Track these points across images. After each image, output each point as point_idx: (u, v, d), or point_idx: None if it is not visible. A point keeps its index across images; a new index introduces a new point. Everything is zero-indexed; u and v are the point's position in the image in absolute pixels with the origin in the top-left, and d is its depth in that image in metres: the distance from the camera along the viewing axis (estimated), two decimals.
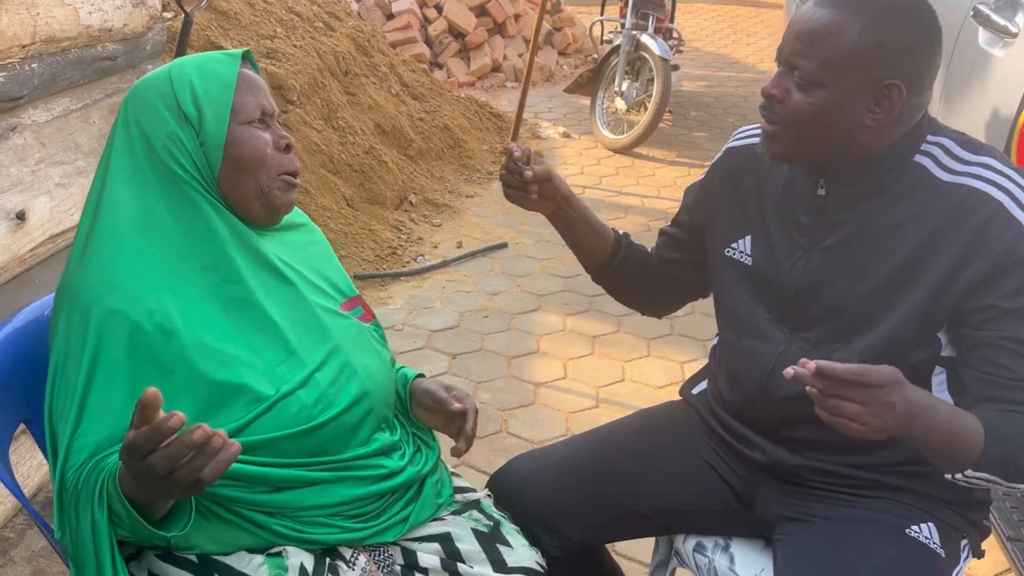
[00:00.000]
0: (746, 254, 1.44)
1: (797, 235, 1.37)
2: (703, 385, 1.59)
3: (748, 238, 1.44)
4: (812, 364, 1.08)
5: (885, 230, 1.29)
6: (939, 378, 1.32)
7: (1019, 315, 1.21)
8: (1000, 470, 1.19)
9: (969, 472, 1.19)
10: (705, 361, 1.65)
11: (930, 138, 1.30)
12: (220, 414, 1.17)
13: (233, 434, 1.14)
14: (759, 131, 1.35)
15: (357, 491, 1.25)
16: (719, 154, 1.54)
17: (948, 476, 1.21)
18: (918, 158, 1.29)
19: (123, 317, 1.16)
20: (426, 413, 1.42)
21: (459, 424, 1.37)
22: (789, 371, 1.10)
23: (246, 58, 1.30)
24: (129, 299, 1.17)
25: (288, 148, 1.29)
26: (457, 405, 1.35)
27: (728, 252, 1.47)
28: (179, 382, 1.16)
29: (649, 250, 1.66)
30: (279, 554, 1.20)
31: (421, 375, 1.47)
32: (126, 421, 1.06)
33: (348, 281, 1.43)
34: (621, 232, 1.65)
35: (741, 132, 1.52)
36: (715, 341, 1.57)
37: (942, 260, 1.25)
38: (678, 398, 1.66)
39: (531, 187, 1.44)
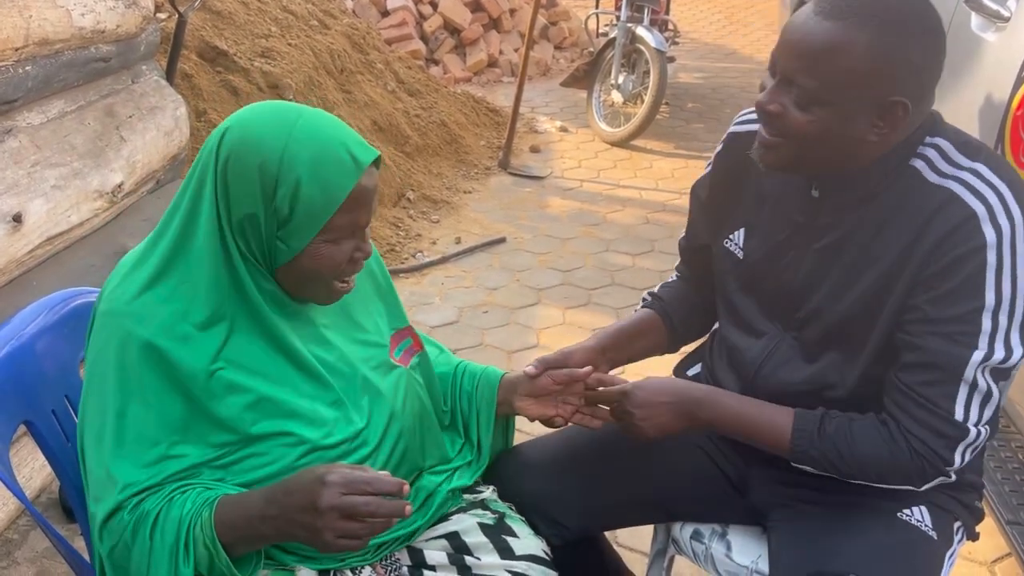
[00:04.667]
0: (739, 247, 1.42)
1: (791, 233, 1.35)
2: (697, 368, 1.59)
3: (742, 230, 1.42)
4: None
5: (873, 235, 1.26)
6: None
7: (935, 325, 1.19)
8: (823, 467, 1.28)
9: (795, 464, 1.31)
10: None
11: (927, 139, 1.25)
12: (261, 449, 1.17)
13: (275, 474, 1.16)
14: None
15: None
16: (721, 142, 1.48)
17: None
18: (913, 161, 1.25)
19: (179, 363, 1.13)
20: (527, 405, 1.43)
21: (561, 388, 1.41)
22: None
23: (373, 163, 1.17)
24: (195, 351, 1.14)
25: (364, 260, 1.21)
26: (529, 369, 1.42)
27: (726, 243, 1.45)
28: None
29: (675, 279, 1.62)
30: (288, 569, 1.21)
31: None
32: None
33: (398, 307, 1.40)
34: (649, 299, 1.61)
35: (742, 115, 1.46)
36: (715, 325, 1.56)
37: (912, 265, 1.22)
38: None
39: (581, 388, 1.42)
